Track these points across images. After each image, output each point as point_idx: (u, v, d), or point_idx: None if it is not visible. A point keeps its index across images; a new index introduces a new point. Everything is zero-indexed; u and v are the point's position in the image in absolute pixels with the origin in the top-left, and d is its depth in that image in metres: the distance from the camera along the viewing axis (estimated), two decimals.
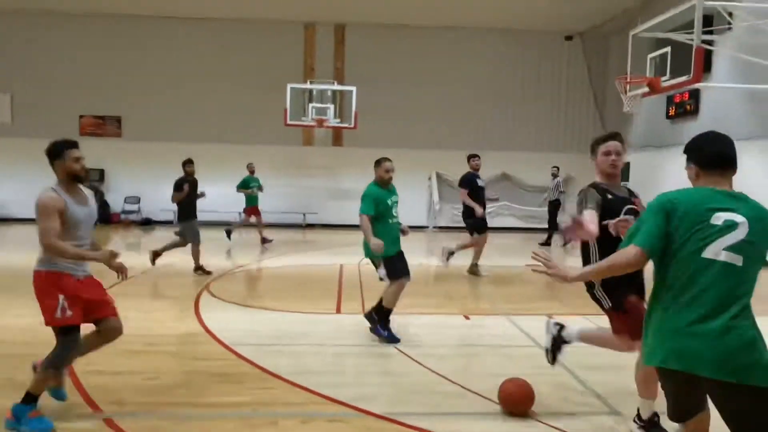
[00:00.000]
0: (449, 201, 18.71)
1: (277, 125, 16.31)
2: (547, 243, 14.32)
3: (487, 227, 9.36)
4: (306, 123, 15.86)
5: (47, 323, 3.53)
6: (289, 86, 15.61)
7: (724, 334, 2.27)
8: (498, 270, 9.79)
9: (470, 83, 18.57)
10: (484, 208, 9.17)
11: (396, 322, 5.60)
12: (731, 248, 2.33)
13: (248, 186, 13.43)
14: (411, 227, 6.01)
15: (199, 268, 8.90)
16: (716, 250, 2.34)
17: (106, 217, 17.33)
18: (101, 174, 17.79)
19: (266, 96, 17.60)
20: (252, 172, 13.62)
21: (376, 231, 5.34)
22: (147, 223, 17.49)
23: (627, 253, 2.49)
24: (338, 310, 6.83)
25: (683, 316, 2.36)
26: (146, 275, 8.74)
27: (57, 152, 3.56)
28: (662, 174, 14.85)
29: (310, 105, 16.11)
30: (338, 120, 16.39)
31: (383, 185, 5.61)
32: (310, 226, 18.10)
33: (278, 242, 13.35)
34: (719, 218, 2.36)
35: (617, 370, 4.32)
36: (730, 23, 10.22)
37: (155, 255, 8.83)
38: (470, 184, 9.11)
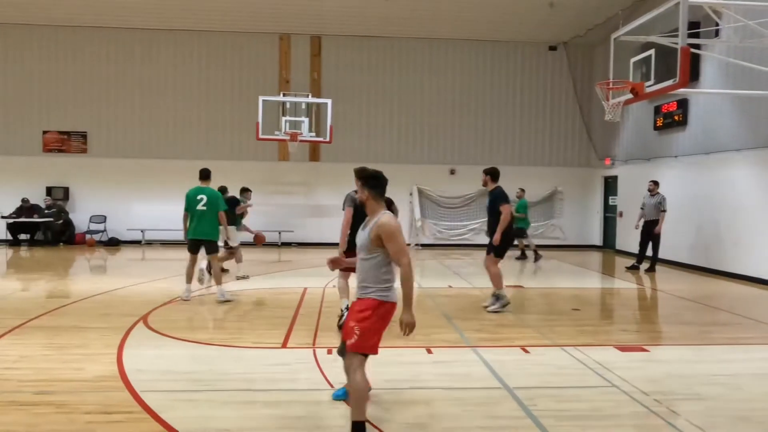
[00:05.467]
0: (432, 217, 17.99)
1: (252, 140, 15.64)
2: (651, 269, 12.37)
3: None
4: (278, 137, 15.18)
5: None
6: (261, 99, 14.96)
7: None
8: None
9: (450, 96, 17.93)
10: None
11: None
12: None
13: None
14: None
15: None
16: None
17: (70, 236, 16.50)
18: (65, 192, 16.92)
19: (241, 110, 16.97)
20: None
21: None
22: (113, 243, 16.61)
23: None
24: (285, 344, 6.01)
25: None
26: (89, 301, 7.95)
27: None
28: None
29: (284, 119, 15.49)
30: (313, 134, 15.72)
31: None
32: (286, 244, 17.29)
33: (250, 263, 12.47)
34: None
35: None
36: (717, 24, 9.63)
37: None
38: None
